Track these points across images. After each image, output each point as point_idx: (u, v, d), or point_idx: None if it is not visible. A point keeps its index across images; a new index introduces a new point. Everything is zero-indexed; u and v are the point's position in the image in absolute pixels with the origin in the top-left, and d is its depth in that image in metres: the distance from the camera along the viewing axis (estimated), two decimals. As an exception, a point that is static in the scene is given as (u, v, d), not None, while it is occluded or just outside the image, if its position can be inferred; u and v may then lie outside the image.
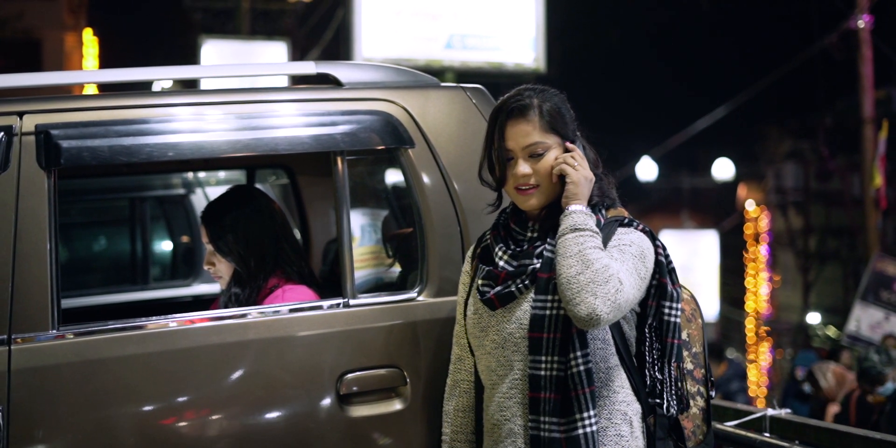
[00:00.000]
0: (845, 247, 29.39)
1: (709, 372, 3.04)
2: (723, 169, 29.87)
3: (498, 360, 2.81)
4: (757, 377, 28.41)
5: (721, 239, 32.26)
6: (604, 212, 2.83)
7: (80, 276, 5.87)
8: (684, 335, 2.98)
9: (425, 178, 3.28)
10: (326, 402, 3.08)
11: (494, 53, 15.75)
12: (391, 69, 3.48)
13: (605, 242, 2.75)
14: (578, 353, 2.69)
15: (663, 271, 2.81)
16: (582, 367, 2.69)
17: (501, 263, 2.83)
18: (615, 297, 2.60)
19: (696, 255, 31.42)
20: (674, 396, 2.83)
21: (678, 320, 2.82)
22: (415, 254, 3.30)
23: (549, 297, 2.71)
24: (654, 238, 2.82)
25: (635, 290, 2.70)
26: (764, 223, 32.90)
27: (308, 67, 3.42)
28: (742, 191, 36.46)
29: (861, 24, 16.34)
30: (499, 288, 2.80)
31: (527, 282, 2.77)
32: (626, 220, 2.83)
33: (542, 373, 2.71)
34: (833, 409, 8.00)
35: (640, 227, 2.83)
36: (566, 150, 2.81)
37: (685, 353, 2.96)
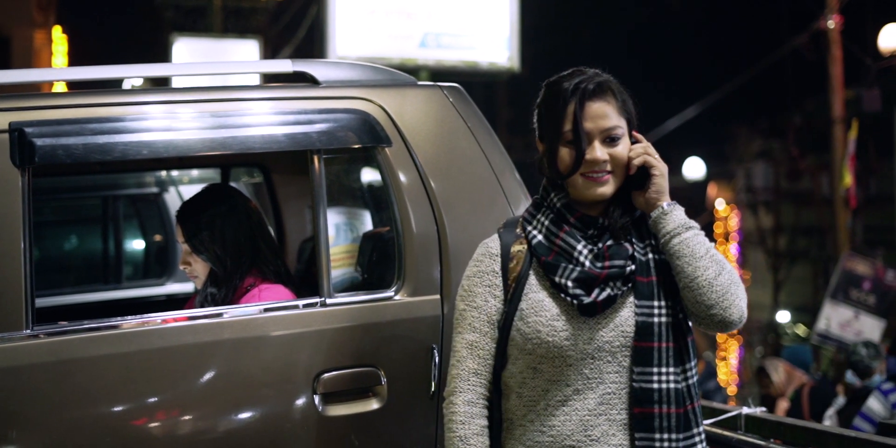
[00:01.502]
0: (815, 246, 29.58)
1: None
2: (694, 168, 29.95)
3: (582, 372, 2.52)
4: (727, 376, 28.55)
5: (692, 238, 32.33)
6: None
7: (52, 276, 5.83)
8: None
9: (402, 177, 3.26)
10: (303, 401, 3.06)
11: (469, 52, 15.75)
12: (368, 68, 3.47)
13: None
14: (692, 363, 2.55)
15: None
16: (695, 379, 2.56)
17: (587, 263, 2.54)
18: (746, 299, 2.52)
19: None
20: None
21: None
22: (392, 253, 3.30)
23: (656, 303, 2.52)
24: None
25: None
26: (734, 222, 33.05)
27: (285, 65, 3.40)
28: (712, 190, 36.61)
29: (831, 24, 16.45)
30: (597, 290, 2.52)
31: (629, 285, 2.54)
32: None
33: (656, 385, 2.49)
34: (783, 404, 8.07)
35: None
36: (633, 139, 2.61)
37: None
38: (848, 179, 15.57)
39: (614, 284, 2.53)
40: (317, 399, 3.07)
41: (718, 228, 33.04)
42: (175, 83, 4.35)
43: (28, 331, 2.87)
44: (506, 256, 2.65)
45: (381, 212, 3.84)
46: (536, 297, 2.58)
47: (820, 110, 20.91)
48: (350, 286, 3.91)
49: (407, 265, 3.23)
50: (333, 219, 4.20)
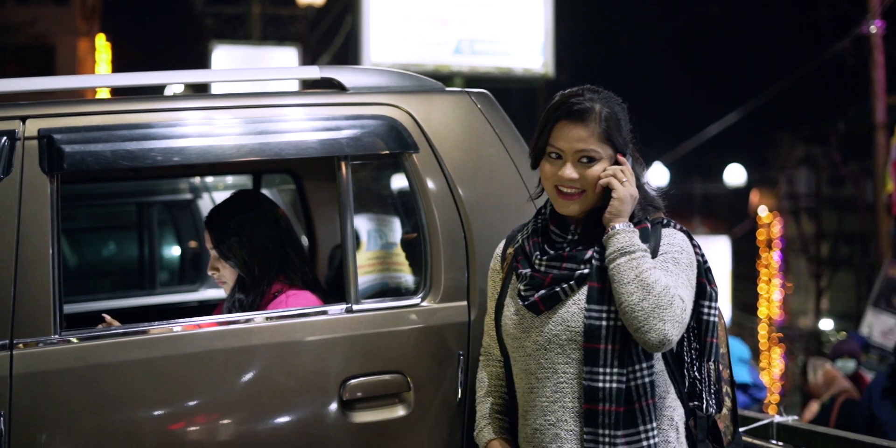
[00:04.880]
0: (858, 253, 29.29)
1: (732, 373, 3.02)
2: (734, 175, 29.82)
3: (539, 362, 2.76)
4: (770, 383, 28.30)
5: (733, 245, 32.10)
6: (649, 218, 2.80)
7: (87, 281, 5.87)
8: None
9: (429, 183, 3.26)
10: (329, 407, 3.06)
11: (503, 58, 15.71)
12: (395, 74, 3.46)
13: (656, 249, 2.74)
14: (644, 364, 2.68)
15: (700, 271, 2.79)
16: (647, 379, 2.68)
17: (543, 269, 2.78)
18: (681, 317, 2.61)
19: (707, 261, 31.49)
20: (713, 396, 2.82)
21: (716, 320, 2.81)
22: (419, 259, 3.29)
23: (605, 308, 2.68)
24: (691, 238, 2.81)
25: (692, 302, 2.70)
26: (777, 229, 32.80)
27: (312, 72, 3.41)
28: (755, 197, 36.36)
29: (873, 29, 16.29)
30: (543, 291, 2.74)
31: (572, 283, 2.72)
32: (665, 221, 2.81)
33: (601, 385, 2.67)
34: (813, 407, 7.90)
35: (679, 227, 2.82)
36: (616, 162, 2.75)
37: None
38: (890, 186, 15.37)
39: (566, 285, 2.73)
40: (343, 405, 3.07)
41: (761, 235, 32.80)
42: (214, 90, 4.38)
43: (56, 336, 2.89)
44: (503, 257, 2.97)
45: (408, 218, 3.84)
46: (509, 295, 2.89)
47: (863, 116, 20.70)
48: (379, 292, 3.91)
49: (434, 271, 3.22)
50: (363, 225, 4.21)
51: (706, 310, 2.80)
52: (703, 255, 2.81)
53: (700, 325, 2.80)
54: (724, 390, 2.92)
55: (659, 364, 2.75)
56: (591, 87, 2.79)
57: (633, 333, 2.61)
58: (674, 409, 2.77)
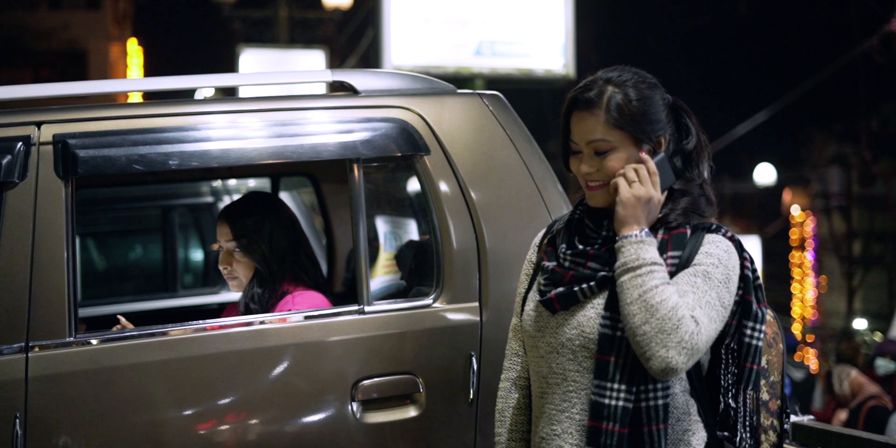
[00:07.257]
0: (890, 251, 29.07)
1: (784, 404, 2.72)
2: (764, 174, 29.60)
3: (550, 366, 2.55)
4: (802, 383, 28.07)
5: (764, 244, 31.90)
6: (692, 223, 2.51)
7: (110, 284, 5.91)
8: (763, 361, 2.65)
9: (441, 185, 3.27)
10: (342, 408, 3.08)
11: (524, 60, 15.69)
12: (407, 76, 3.48)
13: (689, 257, 2.46)
14: (658, 385, 2.43)
15: (749, 288, 2.50)
16: (660, 401, 2.43)
17: (567, 264, 2.55)
18: (690, 342, 2.34)
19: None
20: (747, 429, 2.54)
21: (760, 344, 2.52)
22: (431, 261, 3.30)
23: (620, 317, 2.43)
24: (741, 249, 2.51)
25: (716, 324, 2.41)
26: (810, 228, 32.58)
27: (324, 75, 3.44)
28: (787, 196, 36.14)
29: (902, 26, 16.16)
30: (561, 289, 2.52)
31: (592, 284, 2.48)
32: (714, 227, 2.53)
33: (607, 401, 2.42)
34: (842, 415, 7.86)
35: (729, 234, 2.52)
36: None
37: (762, 382, 2.66)
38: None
39: (585, 285, 2.50)
40: (355, 406, 3.09)
41: (794, 234, 32.62)
42: (241, 93, 4.43)
43: (71, 339, 2.93)
44: (539, 247, 2.74)
45: (421, 220, 3.86)
46: (534, 288, 2.66)
47: (894, 114, 20.56)
48: (396, 293, 3.93)
49: (445, 273, 3.23)
50: (381, 227, 4.23)
51: (749, 331, 2.51)
52: (753, 271, 2.53)
53: (741, 348, 2.51)
54: (767, 423, 2.66)
55: (679, 385, 2.51)
56: (611, 69, 2.58)
57: (639, 358, 2.37)
58: (693, 433, 2.52)
